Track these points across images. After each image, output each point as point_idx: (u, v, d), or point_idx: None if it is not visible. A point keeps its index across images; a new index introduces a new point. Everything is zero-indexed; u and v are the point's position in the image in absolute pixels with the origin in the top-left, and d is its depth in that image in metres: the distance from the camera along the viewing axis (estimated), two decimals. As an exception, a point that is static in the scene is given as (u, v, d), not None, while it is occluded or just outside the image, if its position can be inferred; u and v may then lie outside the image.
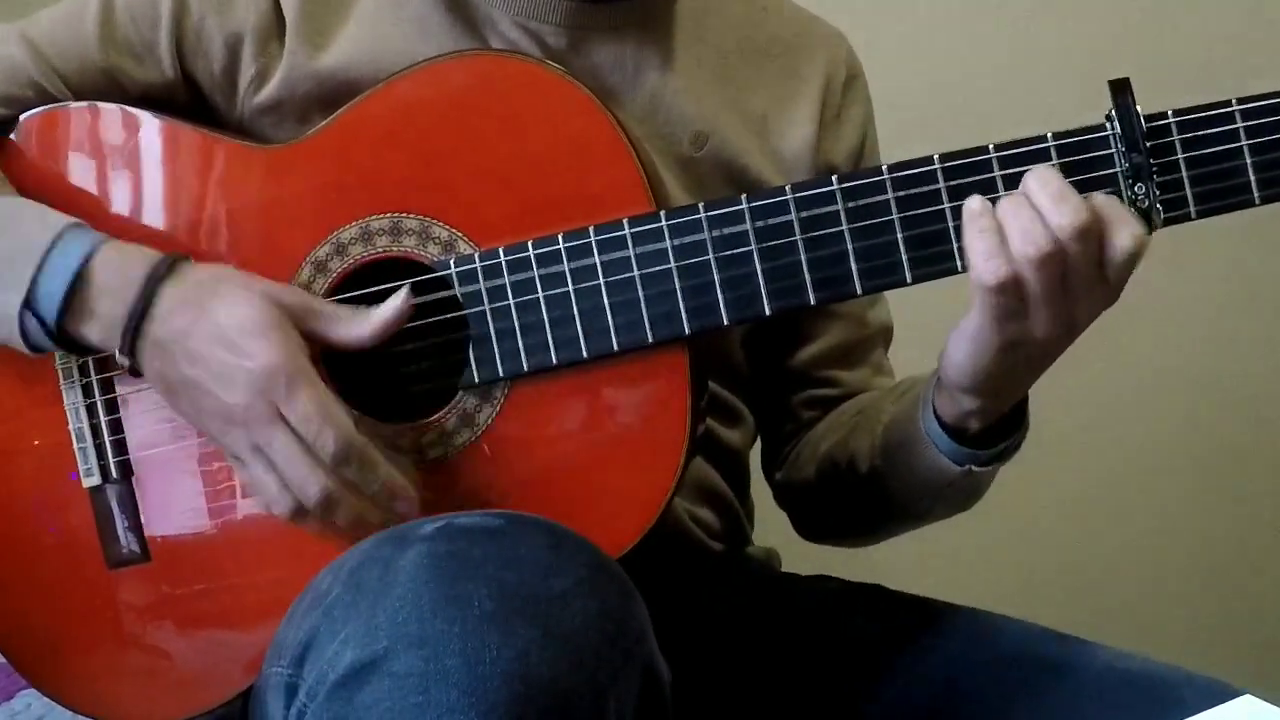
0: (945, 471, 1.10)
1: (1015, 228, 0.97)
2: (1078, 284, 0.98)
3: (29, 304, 1.05)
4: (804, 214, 1.03)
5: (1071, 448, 2.01)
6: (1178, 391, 2.04)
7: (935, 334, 1.07)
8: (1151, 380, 2.04)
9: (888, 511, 1.22)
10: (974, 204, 0.99)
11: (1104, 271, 0.98)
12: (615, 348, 1.04)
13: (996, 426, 1.08)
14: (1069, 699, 1.07)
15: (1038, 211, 0.97)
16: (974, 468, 1.10)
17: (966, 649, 1.13)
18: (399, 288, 1.06)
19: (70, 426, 1.12)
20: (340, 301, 1.07)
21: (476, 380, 1.06)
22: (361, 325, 1.05)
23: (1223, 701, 0.98)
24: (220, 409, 1.02)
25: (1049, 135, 1.01)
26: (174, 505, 1.11)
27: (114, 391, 1.11)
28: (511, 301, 1.05)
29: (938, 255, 1.02)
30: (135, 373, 1.06)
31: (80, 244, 1.05)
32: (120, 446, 1.12)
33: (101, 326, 1.05)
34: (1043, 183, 0.98)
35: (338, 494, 1.01)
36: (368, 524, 1.01)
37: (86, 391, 1.12)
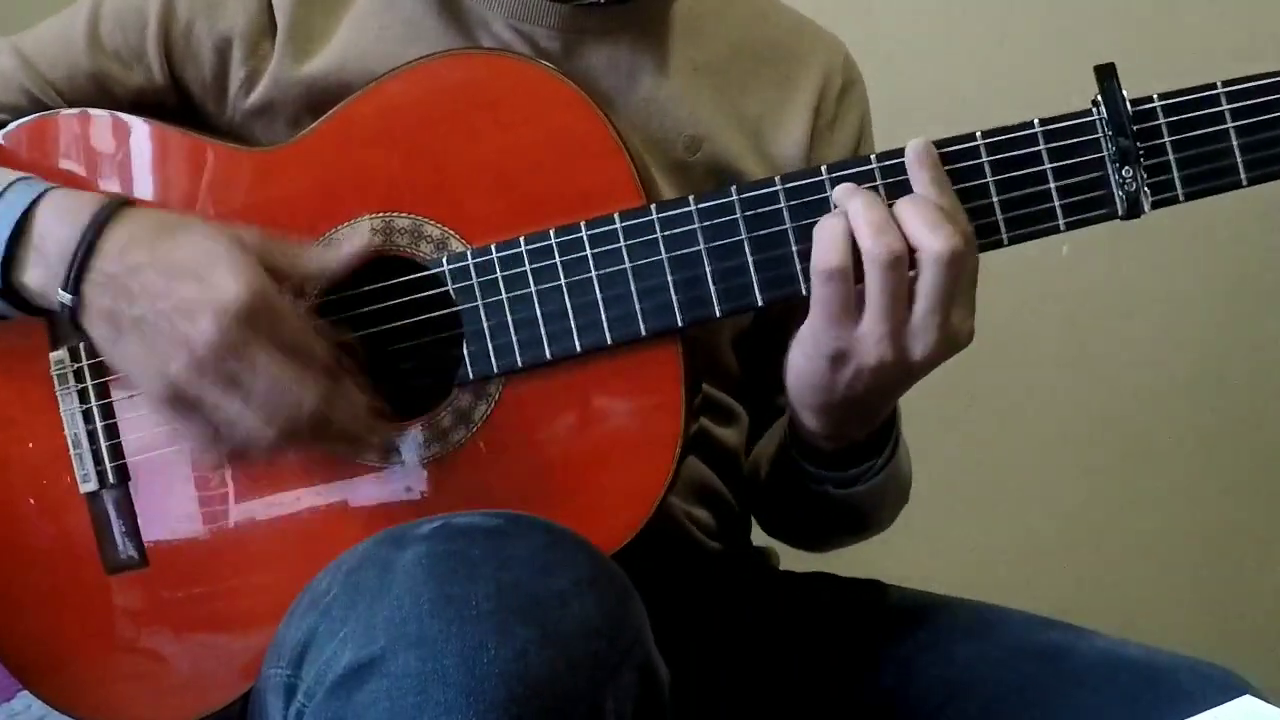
0: (810, 482, 1.13)
1: (867, 224, 0.98)
2: (921, 306, 0.98)
3: None
4: (794, 203, 1.03)
5: (1071, 443, 2.01)
6: (1179, 387, 2.04)
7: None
8: (1153, 375, 2.04)
9: (791, 522, 1.24)
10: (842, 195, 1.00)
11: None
12: (609, 341, 1.04)
13: (854, 452, 1.11)
14: (1068, 685, 1.07)
15: (899, 218, 0.98)
16: (831, 488, 1.12)
17: (965, 641, 1.14)
18: (393, 286, 1.06)
19: (66, 432, 1.12)
20: (335, 300, 1.07)
21: (471, 377, 1.06)
22: (323, 258, 1.03)
23: (1221, 688, 0.99)
24: (181, 343, 0.97)
25: (1035, 121, 1.02)
26: (171, 509, 1.11)
27: (110, 396, 1.11)
28: (505, 297, 1.05)
29: (927, 243, 1.02)
30: (74, 320, 1.01)
31: (26, 193, 1.03)
32: (116, 451, 1.11)
33: (44, 267, 1.01)
34: (921, 203, 0.99)
35: (333, 396, 0.98)
36: (353, 437, 1.00)
37: (82, 397, 1.11)
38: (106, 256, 1.00)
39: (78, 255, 1.00)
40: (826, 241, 0.99)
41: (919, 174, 1.00)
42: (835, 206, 1.01)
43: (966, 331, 1.02)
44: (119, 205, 1.02)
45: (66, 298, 1.01)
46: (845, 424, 1.08)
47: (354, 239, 1.02)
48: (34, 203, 1.02)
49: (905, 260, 0.98)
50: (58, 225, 1.01)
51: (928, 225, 0.98)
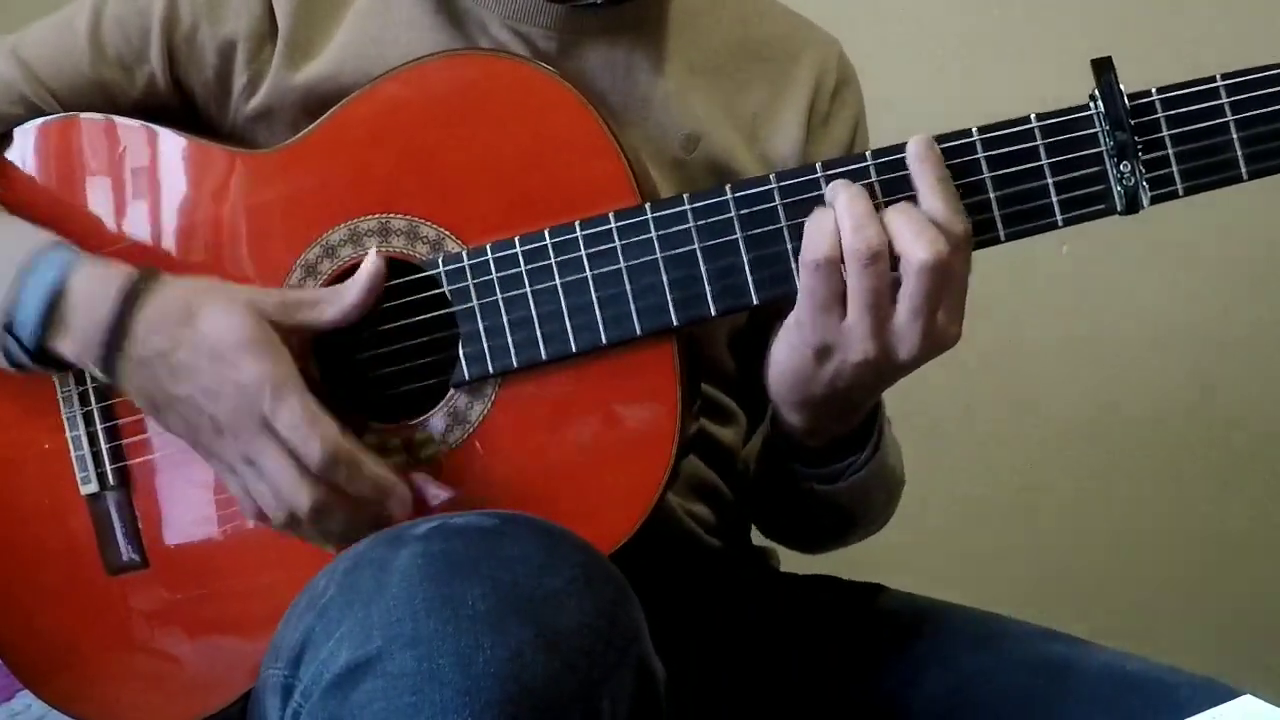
0: (795, 479, 1.13)
1: (849, 218, 0.98)
2: (909, 306, 0.98)
3: (8, 327, 1.06)
4: (788, 201, 1.03)
5: (1072, 449, 2.00)
6: (1178, 392, 2.04)
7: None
8: (1152, 381, 2.03)
9: (782, 520, 1.23)
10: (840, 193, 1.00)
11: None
12: (604, 341, 1.04)
13: (837, 447, 1.11)
14: (1068, 700, 1.07)
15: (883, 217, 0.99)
16: (815, 485, 1.12)
17: (967, 652, 1.13)
18: (389, 287, 1.06)
19: (68, 434, 1.12)
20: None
21: (467, 378, 1.06)
22: (342, 299, 1.05)
23: (1222, 702, 0.98)
24: (211, 422, 1.02)
25: (1033, 116, 1.01)
26: (172, 511, 1.11)
27: (111, 399, 1.12)
28: (500, 298, 1.05)
29: (924, 240, 1.01)
30: (111, 388, 1.06)
31: (58, 262, 1.06)
32: (118, 453, 1.12)
33: (76, 342, 1.05)
34: (909, 213, 0.99)
35: (328, 501, 1.01)
36: (361, 528, 1.01)
37: (83, 399, 1.12)
38: (135, 340, 1.04)
39: (108, 341, 1.04)
40: (815, 234, 0.99)
41: (922, 172, 1.00)
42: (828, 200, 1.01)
43: (953, 334, 1.01)
44: (144, 282, 1.05)
45: (103, 378, 1.06)
46: (825, 419, 1.08)
47: (366, 273, 1.05)
48: (64, 278, 1.05)
49: (885, 256, 0.98)
50: (89, 303, 1.05)
51: (912, 233, 0.98)
